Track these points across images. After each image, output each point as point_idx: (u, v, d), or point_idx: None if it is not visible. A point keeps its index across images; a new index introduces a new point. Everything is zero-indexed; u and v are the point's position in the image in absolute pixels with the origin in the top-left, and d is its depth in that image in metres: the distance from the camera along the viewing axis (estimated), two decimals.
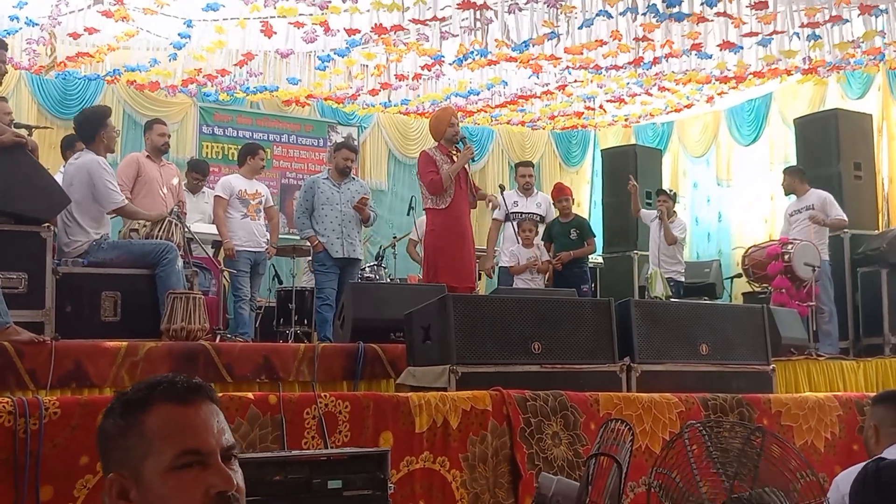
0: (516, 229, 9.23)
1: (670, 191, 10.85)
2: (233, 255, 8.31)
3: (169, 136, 8.16)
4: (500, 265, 9.71)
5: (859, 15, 8.60)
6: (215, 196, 8.70)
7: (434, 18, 9.02)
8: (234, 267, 8.30)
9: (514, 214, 9.33)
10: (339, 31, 9.63)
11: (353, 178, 8.69)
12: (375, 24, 9.24)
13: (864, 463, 2.98)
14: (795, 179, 9.62)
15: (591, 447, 4.28)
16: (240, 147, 9.84)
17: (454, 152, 7.78)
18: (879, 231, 10.27)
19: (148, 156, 7.80)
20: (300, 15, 9.44)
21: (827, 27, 9.08)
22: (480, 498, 4.29)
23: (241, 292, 8.40)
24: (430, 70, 11.04)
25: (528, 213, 9.49)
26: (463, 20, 9.37)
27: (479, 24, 9.20)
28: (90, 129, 6.25)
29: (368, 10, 9.08)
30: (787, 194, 9.83)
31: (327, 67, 11.11)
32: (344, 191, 8.43)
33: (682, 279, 10.17)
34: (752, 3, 8.54)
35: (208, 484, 1.55)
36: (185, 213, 7.79)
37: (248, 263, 8.50)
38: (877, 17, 8.75)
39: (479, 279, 10.04)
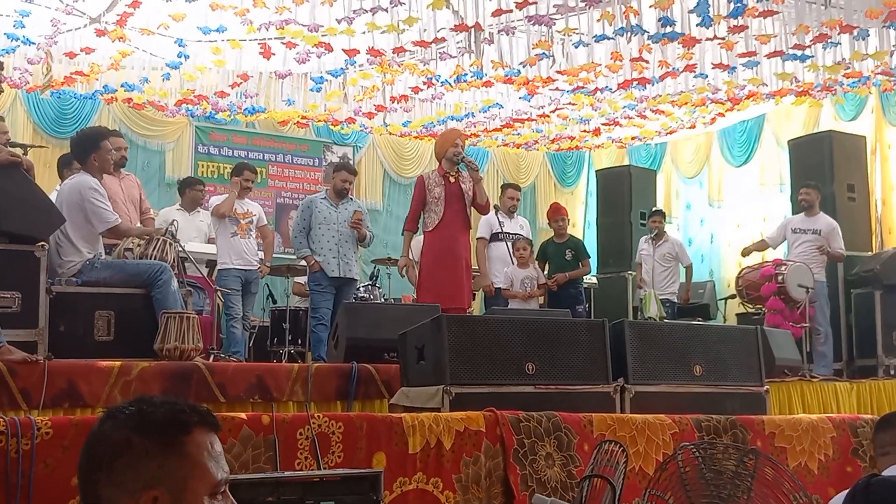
0: (510, 249, 9.23)
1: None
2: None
3: (124, 149, 8.04)
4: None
5: (840, 33, 8.63)
6: (213, 208, 8.66)
7: (435, 40, 9.06)
8: (226, 286, 8.28)
9: (503, 235, 9.40)
10: (322, 54, 9.63)
11: (351, 199, 8.74)
12: (370, 48, 9.29)
13: None
14: (818, 196, 9.58)
15: (584, 468, 4.27)
16: None
17: (453, 173, 7.87)
18: (873, 252, 10.29)
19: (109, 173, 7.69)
20: (300, 37, 9.46)
21: (819, 49, 9.13)
22: None
23: (233, 311, 8.38)
24: (417, 93, 11.08)
25: (514, 234, 9.48)
26: (458, 42, 9.42)
27: (474, 46, 9.25)
28: (83, 149, 6.25)
29: (364, 33, 9.11)
30: (805, 208, 9.67)
31: (321, 89, 11.15)
32: (341, 211, 8.48)
33: (677, 300, 10.32)
34: (732, 27, 8.58)
35: None
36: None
37: (238, 282, 8.47)
38: (863, 38, 8.79)
39: (475, 299, 10.05)
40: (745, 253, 10.18)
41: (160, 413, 1.64)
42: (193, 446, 1.62)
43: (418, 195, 7.99)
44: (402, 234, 8.25)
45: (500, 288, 9.30)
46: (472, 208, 8.08)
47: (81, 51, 10.08)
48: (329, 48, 9.48)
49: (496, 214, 9.27)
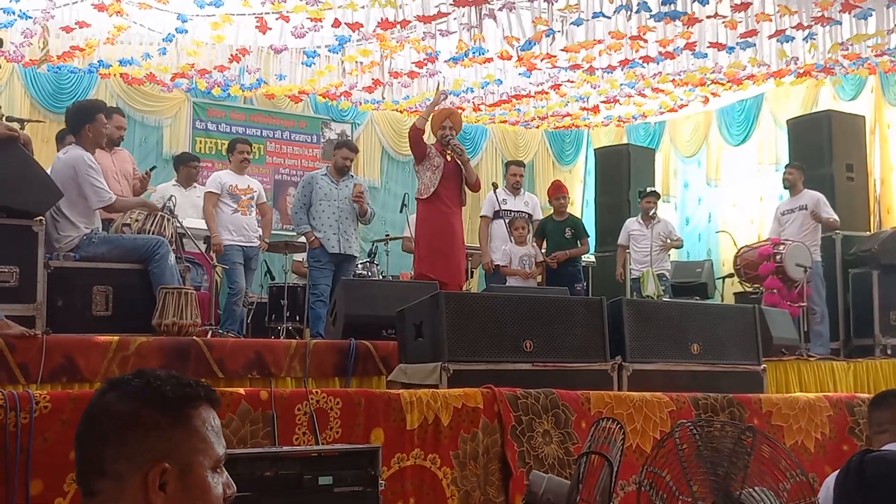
0: (508, 228, 9.24)
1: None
2: (220, 251, 8.27)
3: (124, 128, 8.22)
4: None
5: (842, 11, 8.58)
6: (206, 192, 8.67)
7: (439, 15, 9.01)
8: (230, 260, 8.27)
9: (504, 212, 9.39)
10: (321, 27, 9.57)
11: (351, 176, 8.74)
12: (382, 20, 9.23)
13: None
14: (801, 176, 9.63)
15: (581, 445, 4.28)
16: None
17: (448, 152, 7.97)
18: (871, 232, 10.30)
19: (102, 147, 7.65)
20: (297, 11, 9.39)
21: (820, 29, 9.09)
22: (471, 495, 4.29)
23: (237, 287, 8.37)
24: (422, 67, 11.03)
25: (517, 212, 9.49)
26: (455, 18, 9.36)
27: (475, 21, 9.20)
28: (78, 120, 6.22)
29: (364, 7, 9.05)
30: (786, 187, 9.82)
31: (314, 63, 11.08)
32: (342, 188, 8.49)
33: (669, 277, 10.35)
34: (735, 5, 8.54)
35: (226, 485, 1.67)
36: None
37: (240, 255, 8.48)
38: (865, 18, 8.74)
39: (472, 277, 10.06)
40: None
41: (169, 386, 1.64)
42: (199, 420, 1.64)
43: (423, 145, 8.13)
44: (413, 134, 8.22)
45: (498, 265, 9.30)
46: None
47: (77, 24, 10.00)
48: (336, 23, 9.40)
49: (495, 193, 9.29)
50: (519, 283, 9.03)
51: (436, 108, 8.27)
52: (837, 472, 3.35)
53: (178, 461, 1.58)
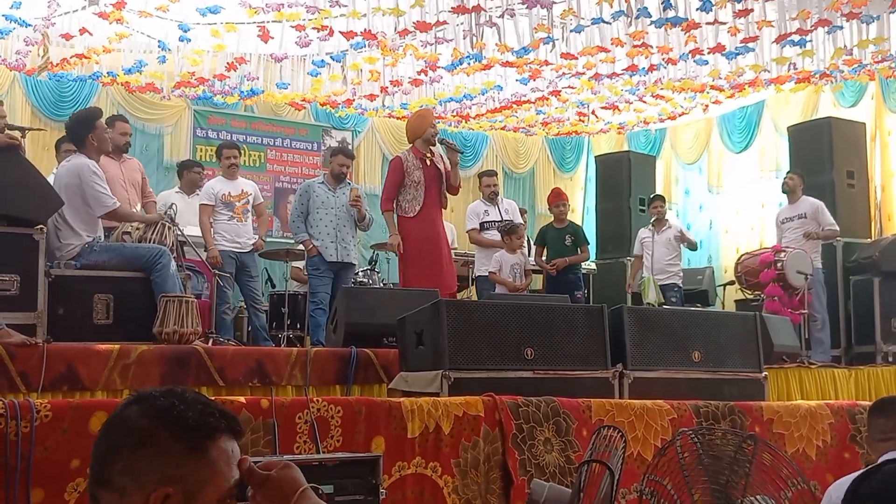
0: (506, 237, 9.17)
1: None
2: (217, 262, 8.22)
3: (128, 135, 8.13)
4: (476, 274, 9.65)
5: (848, 20, 8.60)
6: (200, 204, 8.57)
7: (438, 23, 9.02)
8: (222, 270, 8.25)
9: (488, 224, 9.37)
10: (324, 37, 9.59)
11: (348, 184, 8.70)
12: (366, 30, 9.24)
13: (856, 473, 2.95)
14: (801, 183, 9.61)
15: (582, 454, 4.28)
16: None
17: (429, 155, 7.84)
18: (872, 239, 10.29)
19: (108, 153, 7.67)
20: (300, 20, 9.41)
21: (821, 34, 9.10)
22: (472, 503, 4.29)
23: (226, 296, 8.35)
24: (425, 75, 11.05)
25: (500, 221, 9.37)
26: (459, 24, 9.37)
27: (475, 29, 9.21)
28: (79, 131, 6.22)
29: (365, 15, 9.07)
30: (784, 192, 9.76)
31: (320, 73, 11.10)
32: (339, 195, 8.43)
33: (682, 284, 10.34)
34: (737, 11, 8.56)
35: None
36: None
37: (233, 264, 8.43)
38: (867, 24, 8.76)
39: (472, 284, 10.03)
40: None
41: (192, 413, 1.61)
42: (216, 452, 1.61)
43: (396, 178, 7.88)
44: (383, 215, 8.10)
45: (484, 276, 9.23)
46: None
47: (78, 31, 10.01)
48: (331, 32, 9.41)
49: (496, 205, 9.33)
50: (505, 292, 8.92)
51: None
52: (839, 481, 3.34)
53: (185, 489, 1.56)
